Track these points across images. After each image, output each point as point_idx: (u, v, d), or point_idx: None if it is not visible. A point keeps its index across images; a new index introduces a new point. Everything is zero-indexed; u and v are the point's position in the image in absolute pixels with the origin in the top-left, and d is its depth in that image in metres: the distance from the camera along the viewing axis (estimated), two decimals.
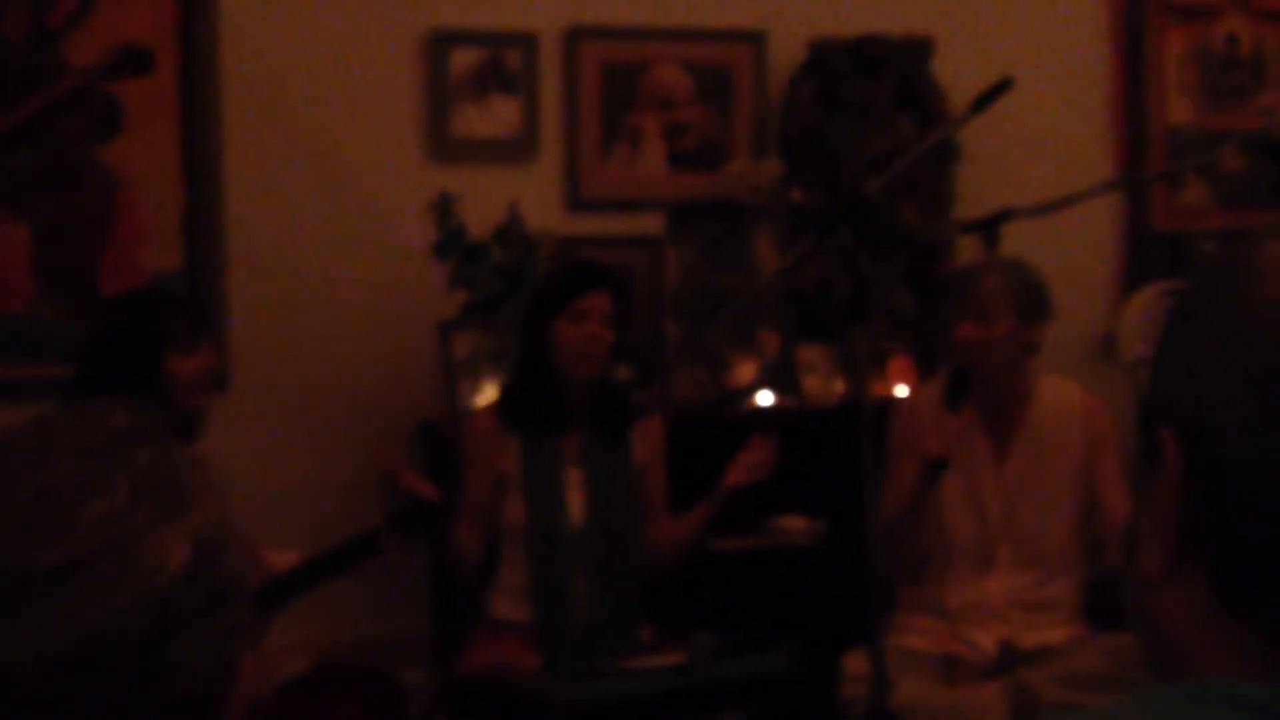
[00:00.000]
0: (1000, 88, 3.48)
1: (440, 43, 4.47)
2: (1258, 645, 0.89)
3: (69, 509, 1.05)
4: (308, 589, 3.35)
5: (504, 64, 4.52)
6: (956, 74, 4.58)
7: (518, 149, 4.54)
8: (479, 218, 4.21)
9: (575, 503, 3.58)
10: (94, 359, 3.27)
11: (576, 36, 4.56)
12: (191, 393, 3.23)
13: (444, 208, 4.19)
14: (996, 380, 3.60)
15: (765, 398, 4.35)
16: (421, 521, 3.44)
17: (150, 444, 1.12)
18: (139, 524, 1.06)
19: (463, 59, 4.49)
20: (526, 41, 4.53)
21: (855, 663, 3.39)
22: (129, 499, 1.07)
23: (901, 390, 4.33)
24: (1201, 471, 0.91)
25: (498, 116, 4.52)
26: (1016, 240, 3.96)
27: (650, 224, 4.52)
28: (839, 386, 4.39)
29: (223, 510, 1.12)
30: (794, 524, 4.26)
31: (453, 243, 4.19)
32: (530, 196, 4.40)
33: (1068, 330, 4.03)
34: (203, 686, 1.08)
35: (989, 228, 3.81)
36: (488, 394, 4.12)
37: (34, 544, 1.04)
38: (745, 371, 4.41)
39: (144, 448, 1.11)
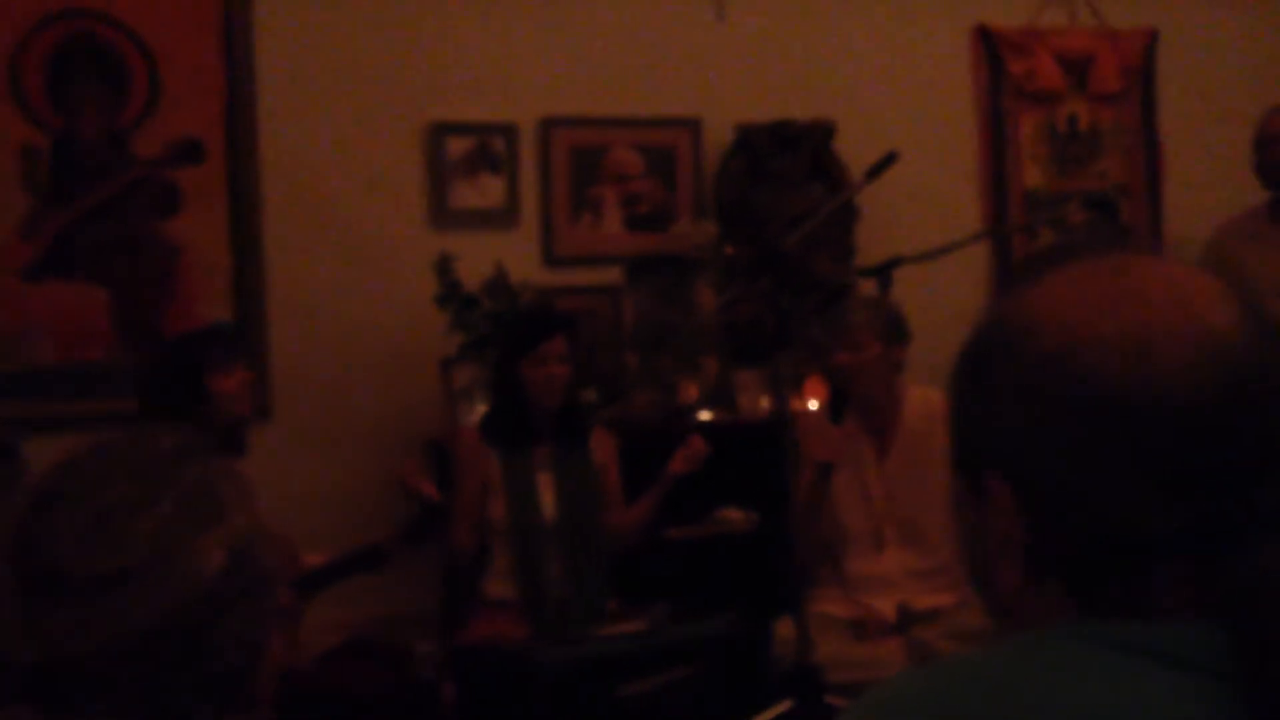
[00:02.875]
0: (888, 160, 3.52)
1: (438, 133, 4.47)
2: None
3: (123, 524, 1.05)
4: (331, 585, 3.33)
5: (490, 149, 4.52)
6: (855, 149, 4.61)
7: (503, 217, 4.53)
8: (472, 274, 4.21)
9: (547, 501, 3.58)
10: (149, 388, 3.25)
11: (549, 126, 4.57)
12: (228, 405, 3.20)
13: (443, 266, 4.19)
14: (871, 395, 3.59)
15: (707, 413, 4.36)
16: (424, 533, 3.43)
17: (192, 463, 1.11)
18: (182, 535, 1.06)
19: (457, 145, 4.49)
20: (508, 131, 4.53)
21: (783, 627, 3.39)
22: (174, 513, 1.06)
23: (813, 404, 4.32)
24: (1032, 505, 0.88)
25: (486, 191, 4.52)
26: (907, 282, 3.98)
27: (611, 275, 4.52)
28: (767, 402, 4.39)
29: (254, 517, 1.12)
30: (732, 515, 4.25)
31: (451, 294, 4.19)
32: (513, 255, 4.40)
33: (946, 350, 4.02)
34: (238, 666, 1.08)
35: (883, 272, 3.82)
36: (481, 415, 4.11)
37: (95, 554, 1.03)
38: (690, 391, 4.40)
39: (187, 466, 1.10)
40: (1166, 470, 0.84)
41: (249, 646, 1.09)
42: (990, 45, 5.03)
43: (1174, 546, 0.85)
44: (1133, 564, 0.85)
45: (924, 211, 4.76)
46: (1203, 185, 5.02)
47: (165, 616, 1.03)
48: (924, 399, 3.65)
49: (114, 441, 1.14)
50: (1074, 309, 0.88)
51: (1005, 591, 0.90)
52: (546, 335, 3.56)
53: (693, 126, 4.68)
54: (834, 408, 3.49)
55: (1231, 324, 0.86)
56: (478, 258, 4.25)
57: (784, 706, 2.86)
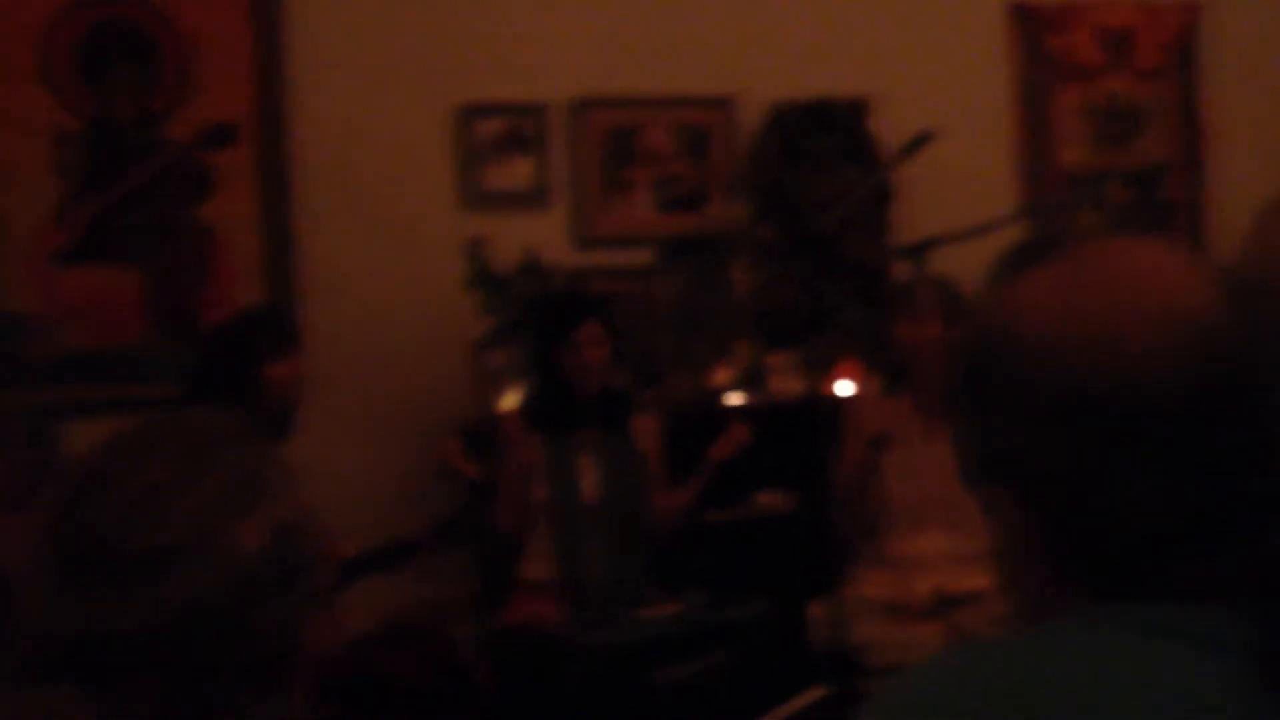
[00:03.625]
0: (922, 139, 3.51)
1: (469, 114, 4.48)
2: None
3: (167, 503, 1.06)
4: (362, 578, 3.34)
5: (522, 130, 4.53)
6: (891, 129, 4.59)
7: (534, 199, 4.54)
8: (503, 256, 4.22)
9: (589, 484, 3.60)
10: (203, 369, 3.28)
11: (581, 107, 4.57)
12: (283, 392, 3.23)
13: (475, 249, 4.20)
14: (927, 372, 3.60)
15: (740, 396, 4.36)
16: (458, 533, 3.46)
17: (235, 445, 1.12)
18: (224, 516, 1.07)
19: (488, 127, 4.50)
20: (539, 111, 4.54)
21: (819, 609, 3.40)
22: (217, 494, 1.07)
23: (848, 387, 4.33)
24: (1038, 509, 0.89)
25: (517, 173, 4.53)
26: (943, 262, 3.97)
27: (644, 258, 4.51)
28: (800, 385, 4.39)
29: (295, 500, 1.13)
30: (769, 499, 4.26)
31: (482, 277, 4.20)
32: (545, 238, 4.41)
33: None
34: (277, 648, 1.09)
35: (918, 253, 3.81)
36: (512, 399, 4.13)
37: (137, 532, 1.04)
38: (724, 375, 4.41)
39: (230, 449, 1.11)
40: (1159, 459, 0.84)
41: (288, 630, 1.10)
42: (1027, 21, 5.00)
43: (1182, 533, 0.85)
44: (1145, 554, 0.86)
45: (960, 191, 4.73)
46: (1246, 161, 4.98)
47: (205, 596, 1.04)
48: None
49: (159, 422, 1.15)
50: (1046, 309, 0.88)
51: (1030, 595, 0.92)
52: (582, 319, 3.57)
53: (726, 106, 4.67)
54: (892, 380, 3.50)
55: (1205, 303, 0.86)
56: (509, 239, 4.27)
57: (817, 693, 2.87)
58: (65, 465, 3.16)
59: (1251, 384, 0.86)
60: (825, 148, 4.62)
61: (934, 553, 3.59)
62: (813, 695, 2.87)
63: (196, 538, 1.05)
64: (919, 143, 3.49)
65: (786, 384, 4.41)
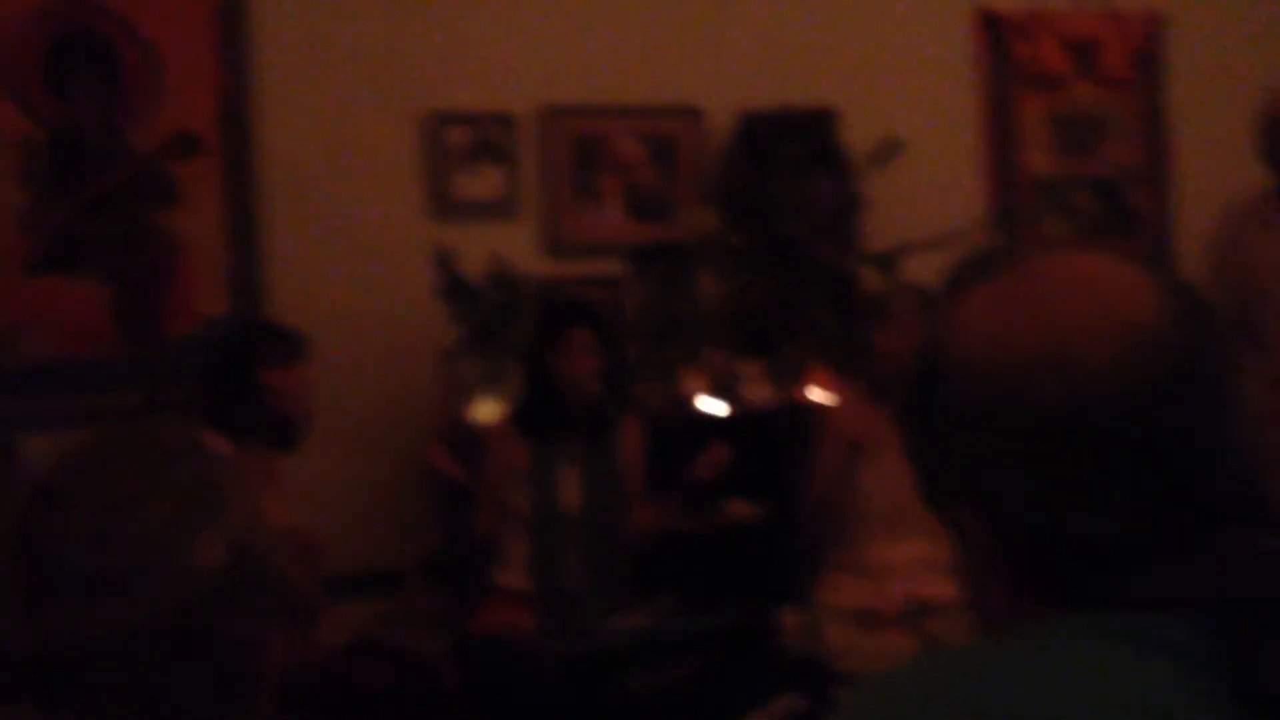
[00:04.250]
0: (892, 147, 3.54)
1: (438, 122, 4.48)
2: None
3: (122, 520, 1.04)
4: (341, 600, 3.33)
5: (490, 139, 4.53)
6: (859, 136, 4.62)
7: (503, 208, 4.54)
8: (473, 265, 4.22)
9: (569, 494, 3.60)
10: (207, 374, 3.28)
11: (550, 115, 4.58)
12: (285, 401, 3.23)
13: (444, 257, 4.19)
14: (905, 381, 3.61)
15: (711, 404, 4.37)
16: (444, 575, 3.47)
17: (191, 457, 1.10)
18: (182, 531, 1.05)
19: (457, 135, 4.50)
20: (508, 120, 4.54)
21: (790, 617, 3.41)
22: (172, 509, 1.05)
23: (818, 394, 4.34)
24: (996, 526, 0.89)
25: (486, 181, 4.52)
26: (912, 269, 3.99)
27: (613, 266, 4.53)
28: (770, 393, 4.40)
29: (254, 512, 1.11)
30: (739, 507, 4.26)
31: (452, 286, 4.20)
32: (514, 246, 4.41)
33: None
34: (240, 663, 1.08)
35: (887, 260, 3.84)
36: (484, 408, 4.13)
37: (95, 551, 1.03)
38: (694, 383, 4.42)
39: (185, 461, 1.09)
40: (1109, 472, 0.84)
41: (251, 645, 1.09)
42: (994, 29, 5.04)
43: (1136, 544, 0.86)
44: (1101, 565, 0.86)
45: (929, 198, 4.76)
46: (1212, 170, 5.02)
47: (166, 613, 1.03)
48: None
49: (114, 436, 1.13)
50: (990, 326, 0.88)
51: (991, 608, 0.92)
52: (576, 325, 3.59)
53: (694, 115, 4.69)
54: (879, 390, 3.52)
55: (1153, 313, 0.86)
56: (478, 248, 4.27)
57: (789, 700, 2.88)
58: (22, 481, 3.14)
59: (1200, 393, 0.86)
60: (794, 156, 4.63)
61: (908, 560, 3.60)
62: (785, 703, 2.87)
63: (153, 554, 1.03)
64: (888, 151, 3.51)
65: (757, 391, 4.42)
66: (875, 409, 3.54)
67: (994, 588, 0.91)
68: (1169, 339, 0.85)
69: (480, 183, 4.51)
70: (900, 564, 3.60)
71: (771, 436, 4.09)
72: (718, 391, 4.39)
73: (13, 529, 1.05)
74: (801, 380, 4.40)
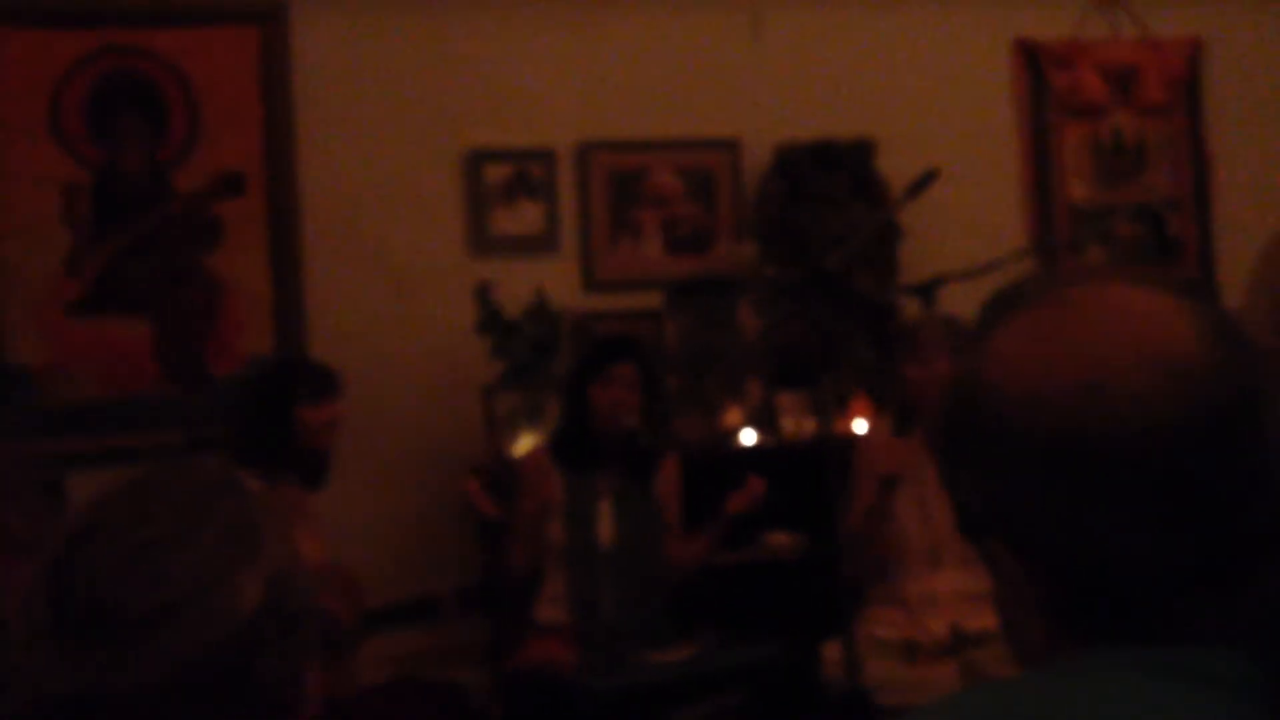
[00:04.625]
0: (929, 177, 3.53)
1: (476, 160, 4.52)
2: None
3: (164, 559, 1.04)
4: (383, 629, 3.36)
5: (529, 175, 4.56)
6: (897, 167, 4.61)
7: (542, 243, 4.57)
8: (512, 300, 4.24)
9: (606, 527, 3.60)
10: (241, 409, 3.32)
11: (587, 150, 4.60)
12: (317, 437, 3.26)
13: (484, 293, 4.22)
14: (937, 411, 3.60)
15: (750, 436, 4.36)
16: (482, 599, 3.47)
17: (230, 495, 1.10)
18: (221, 570, 1.04)
19: (495, 172, 4.53)
20: (546, 156, 4.57)
21: (832, 650, 3.39)
22: (213, 548, 1.05)
23: (861, 425, 4.33)
24: (1036, 560, 0.88)
25: (525, 217, 4.55)
26: (951, 300, 3.97)
27: (652, 299, 4.53)
28: (811, 425, 4.40)
29: (290, 550, 1.10)
30: (779, 539, 4.26)
31: (492, 321, 4.22)
32: (554, 281, 4.43)
33: None
34: (281, 701, 1.07)
35: (927, 291, 3.82)
36: (524, 442, 4.14)
37: (135, 590, 1.02)
38: (734, 415, 4.41)
39: (225, 500, 1.09)
40: (1152, 504, 0.83)
41: (288, 681, 1.08)
42: (1032, 58, 5.03)
43: (1179, 577, 0.84)
44: (1147, 600, 0.85)
45: (967, 228, 4.75)
46: (1253, 196, 4.99)
47: (205, 652, 1.02)
48: None
49: (152, 475, 1.13)
50: (1030, 359, 0.87)
51: (1031, 642, 0.91)
52: (616, 359, 3.60)
53: (732, 147, 4.70)
54: (900, 421, 3.50)
55: (1193, 347, 0.85)
56: (518, 284, 4.29)
57: None
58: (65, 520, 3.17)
59: (1243, 424, 0.85)
60: (832, 187, 4.62)
61: (948, 591, 3.58)
62: None
63: (195, 593, 1.03)
64: (925, 181, 3.50)
65: (797, 424, 4.41)
66: (907, 441, 3.52)
67: (1030, 621, 0.90)
68: (1209, 370, 0.84)
69: (519, 218, 4.54)
70: (940, 595, 3.58)
71: (812, 468, 4.07)
72: (757, 424, 4.39)
73: (47, 568, 1.05)
74: (842, 412, 4.38)
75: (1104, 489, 0.84)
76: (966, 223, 4.77)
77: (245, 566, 1.06)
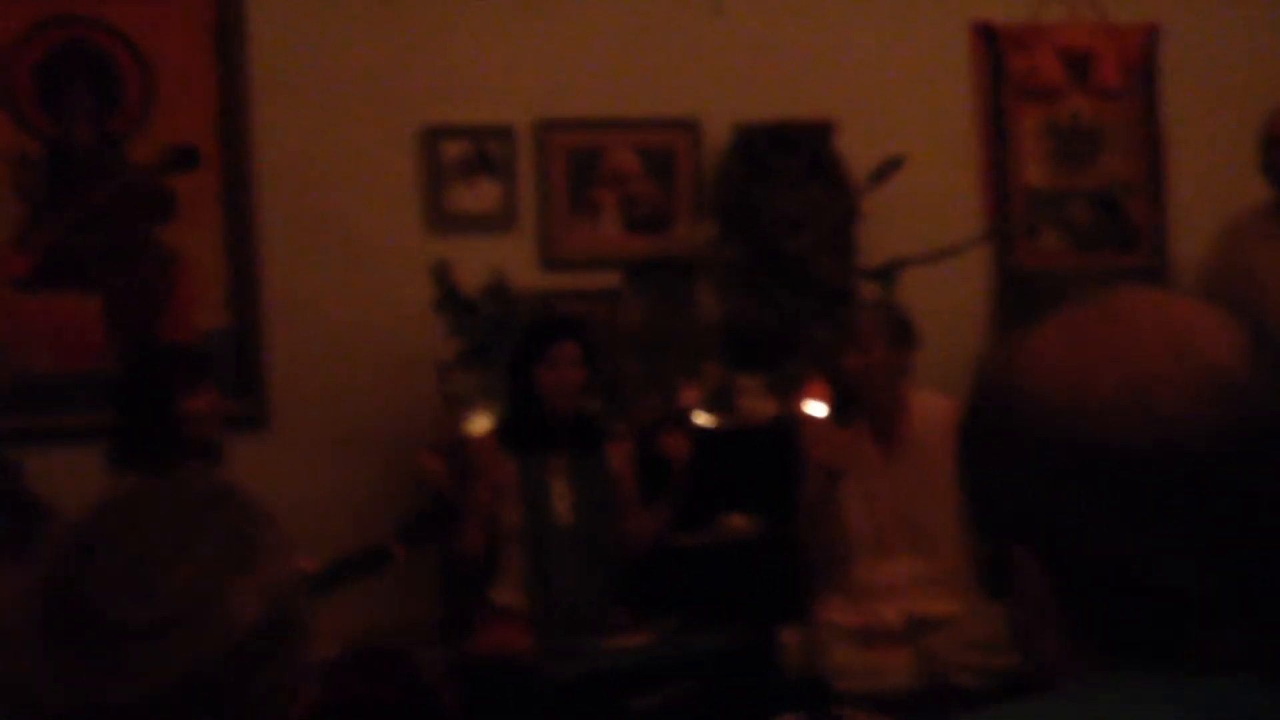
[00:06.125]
0: (893, 164, 3.53)
1: (433, 136, 4.47)
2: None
3: (158, 573, 1.03)
4: (332, 588, 3.33)
5: (487, 152, 4.52)
6: (855, 149, 4.61)
7: (500, 221, 4.53)
8: (469, 278, 4.20)
9: (562, 508, 3.58)
10: (121, 405, 3.25)
11: (546, 128, 4.56)
12: (201, 426, 3.20)
13: (441, 271, 4.18)
14: (877, 398, 3.59)
15: (708, 418, 4.35)
16: (426, 530, 3.43)
17: (225, 509, 1.09)
18: (218, 583, 1.04)
19: (452, 149, 4.48)
20: (505, 133, 4.53)
21: (790, 635, 3.39)
22: (209, 561, 1.05)
23: (818, 408, 4.32)
24: (1061, 571, 0.85)
25: (483, 194, 4.51)
26: (909, 283, 3.97)
27: (610, 279, 4.51)
28: (769, 407, 4.39)
29: (289, 560, 1.10)
30: (736, 521, 4.25)
31: (449, 299, 4.18)
32: (511, 260, 4.40)
33: (949, 354, 4.03)
34: (276, 714, 1.07)
35: (885, 274, 3.83)
36: (480, 422, 4.11)
37: (131, 605, 1.02)
38: (691, 396, 4.40)
39: (220, 512, 1.09)
40: (1186, 523, 0.81)
41: (285, 695, 1.08)
42: (991, 42, 5.03)
43: (1211, 604, 0.82)
44: (1175, 624, 0.83)
45: (925, 210, 4.75)
46: (1207, 181, 5.01)
47: (203, 666, 1.02)
48: (931, 405, 3.66)
49: (148, 487, 1.14)
50: (1069, 365, 0.85)
51: (1048, 658, 0.88)
52: (561, 338, 3.57)
53: (691, 127, 4.67)
54: (841, 411, 3.50)
55: (1236, 359, 0.83)
56: (475, 262, 4.25)
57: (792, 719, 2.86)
58: (39, 512, 3.11)
59: None
60: (790, 168, 4.61)
61: (901, 578, 3.59)
62: None
63: (192, 607, 1.03)
64: (889, 168, 3.50)
65: (755, 405, 4.41)
66: (849, 430, 3.51)
67: (1049, 635, 0.87)
68: (1252, 385, 0.82)
69: (476, 196, 4.50)
70: (894, 582, 3.58)
71: (770, 451, 4.07)
72: (715, 405, 4.38)
73: (42, 582, 1.04)
74: (799, 394, 4.38)
75: (1143, 505, 0.81)
76: (923, 205, 4.76)
77: (242, 579, 1.05)
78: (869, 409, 3.58)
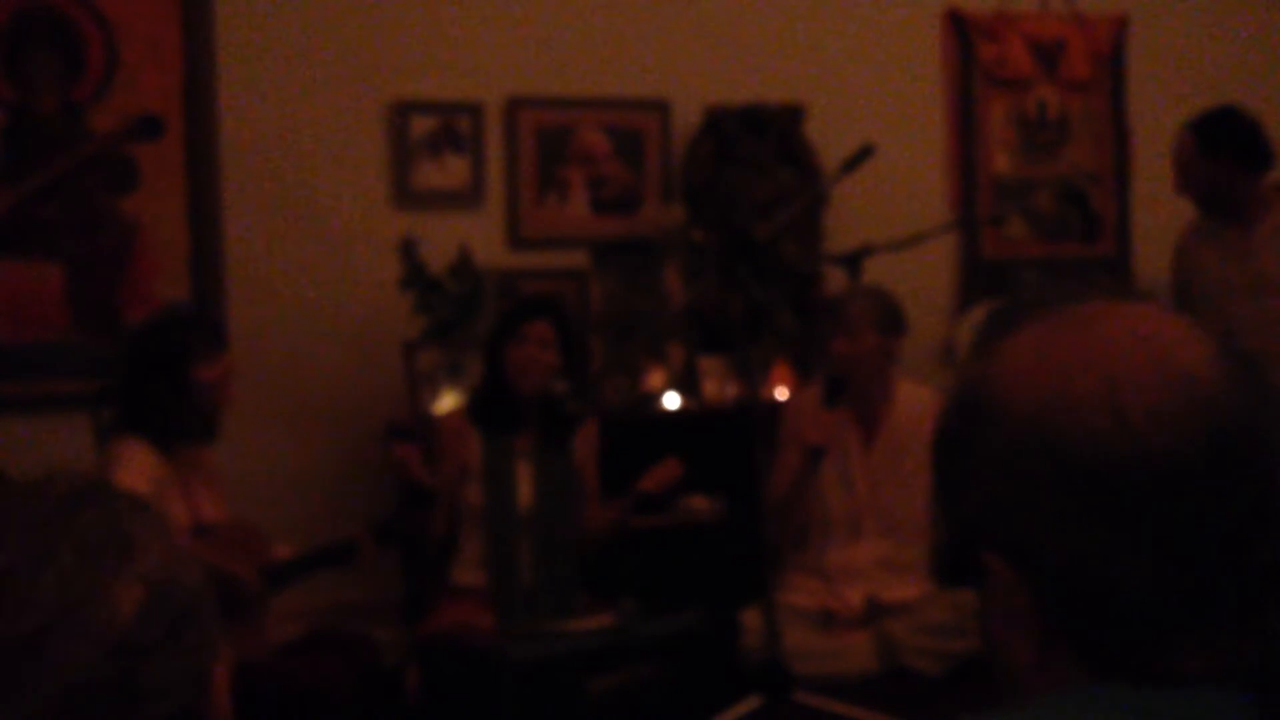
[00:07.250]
0: (864, 153, 3.51)
1: (402, 111, 4.42)
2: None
3: (25, 585, 0.98)
4: (300, 578, 3.31)
5: (455, 128, 4.48)
6: (825, 133, 4.61)
7: (467, 198, 4.50)
8: (436, 255, 4.18)
9: (525, 490, 3.55)
10: (132, 372, 3.20)
11: (515, 106, 4.53)
12: (212, 393, 3.18)
13: (407, 248, 4.15)
14: (864, 384, 3.60)
15: (673, 400, 4.35)
16: (401, 528, 3.42)
17: (90, 506, 1.04)
18: (88, 583, 1.00)
19: (421, 124, 4.44)
20: (474, 110, 4.49)
21: (751, 618, 3.39)
22: (77, 562, 1.00)
23: (783, 392, 4.33)
24: (1033, 578, 0.84)
25: (450, 172, 4.48)
26: (876, 270, 3.97)
27: (578, 259, 4.49)
28: (733, 390, 4.39)
29: (168, 548, 1.05)
30: (698, 503, 4.25)
31: (415, 276, 4.15)
32: (478, 237, 4.37)
33: (916, 340, 4.03)
34: (180, 705, 1.02)
35: (853, 260, 3.82)
36: (446, 401, 4.09)
37: (4, 619, 0.97)
38: (657, 378, 4.39)
39: (85, 510, 1.04)
40: (1159, 530, 0.81)
41: (189, 681, 1.03)
42: (961, 30, 5.02)
43: (1183, 612, 0.82)
44: (1145, 633, 0.82)
45: (892, 196, 4.76)
46: (1170, 175, 5.02)
47: (90, 669, 0.98)
48: (914, 394, 3.67)
49: (3, 498, 1.07)
50: (1041, 372, 0.85)
51: (1018, 666, 0.87)
52: (531, 317, 3.53)
53: (661, 108, 4.65)
54: (828, 394, 3.50)
55: (1205, 369, 0.83)
56: (441, 238, 4.22)
57: (752, 702, 2.86)
58: None
59: (1253, 452, 0.82)
60: (760, 151, 4.61)
61: (866, 561, 3.60)
62: (748, 705, 2.85)
63: (66, 612, 0.98)
64: (861, 156, 3.49)
65: (719, 389, 4.40)
66: (834, 412, 3.52)
67: (1021, 643, 0.86)
68: (1221, 394, 0.82)
69: (444, 173, 4.46)
70: (860, 565, 3.59)
71: (733, 433, 4.07)
72: (680, 387, 4.37)
73: None
74: (765, 378, 4.38)
75: (1113, 513, 0.81)
76: (891, 192, 4.77)
77: (116, 576, 1.01)
78: (855, 393, 3.58)
